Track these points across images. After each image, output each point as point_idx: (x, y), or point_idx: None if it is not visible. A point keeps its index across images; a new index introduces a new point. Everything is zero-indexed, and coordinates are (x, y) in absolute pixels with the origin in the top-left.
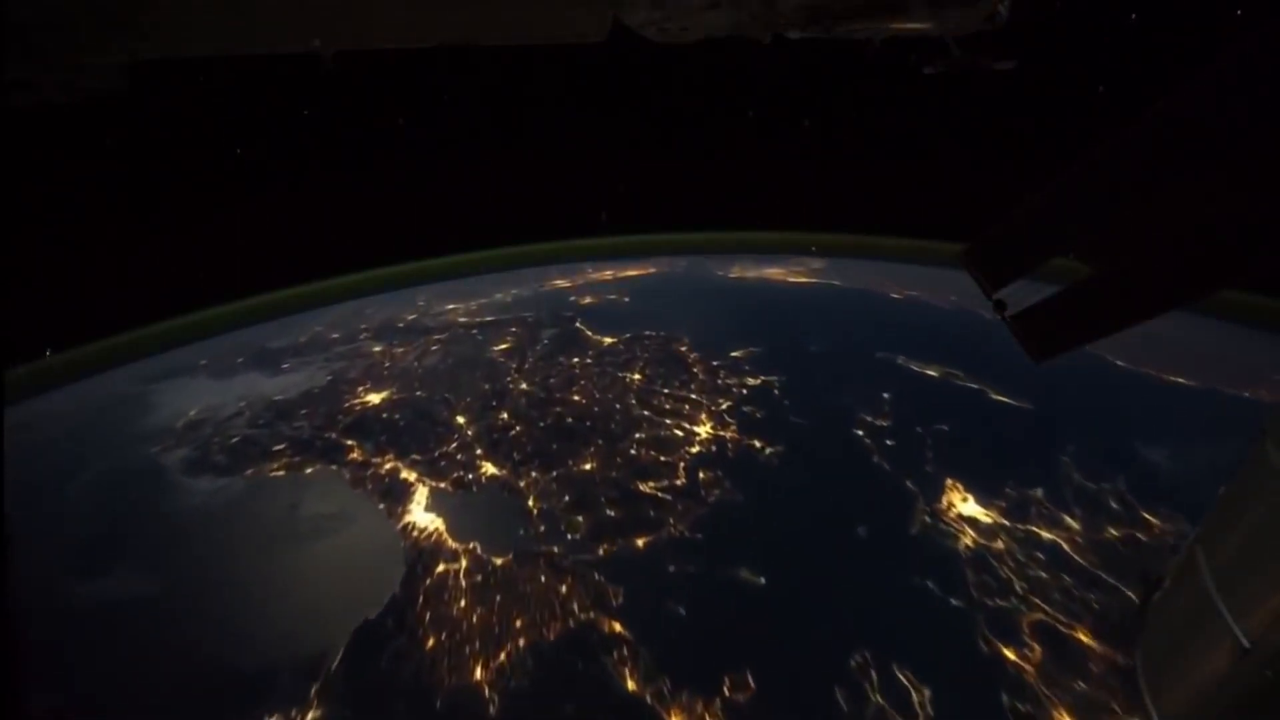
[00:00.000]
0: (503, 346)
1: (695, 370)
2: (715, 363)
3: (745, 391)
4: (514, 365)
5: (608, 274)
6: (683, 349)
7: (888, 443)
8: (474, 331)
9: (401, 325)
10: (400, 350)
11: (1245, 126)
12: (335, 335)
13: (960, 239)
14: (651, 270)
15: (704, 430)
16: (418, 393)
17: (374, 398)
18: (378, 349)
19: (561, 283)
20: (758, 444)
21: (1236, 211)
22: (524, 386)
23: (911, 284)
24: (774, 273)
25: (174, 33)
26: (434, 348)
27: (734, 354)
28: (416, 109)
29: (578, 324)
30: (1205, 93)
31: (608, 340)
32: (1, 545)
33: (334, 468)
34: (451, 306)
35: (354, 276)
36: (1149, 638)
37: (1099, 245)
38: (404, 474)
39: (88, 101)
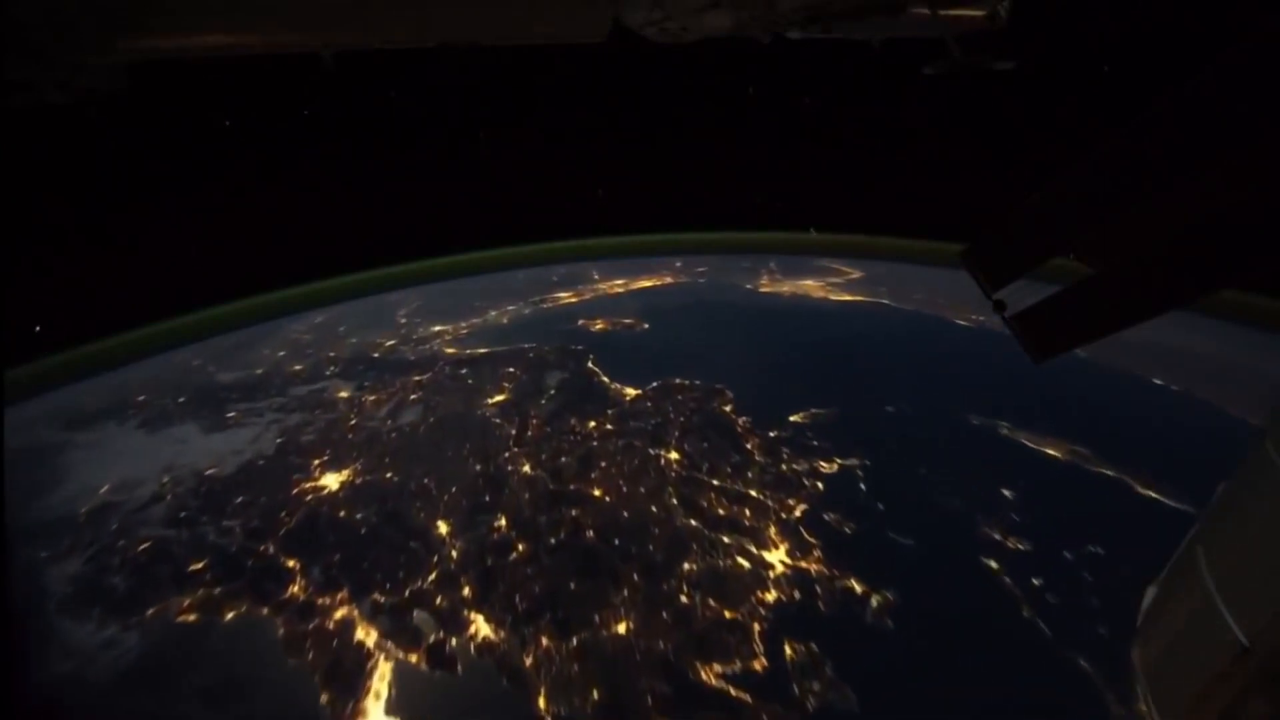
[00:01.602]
0: (498, 398)
1: (748, 445)
2: (772, 433)
3: (821, 485)
4: (513, 431)
5: (618, 285)
6: (726, 408)
7: (1034, 582)
8: (463, 371)
9: (376, 355)
10: (371, 399)
11: (1247, 125)
12: (297, 367)
13: (962, 239)
14: (667, 280)
15: (777, 558)
16: (388, 474)
17: (330, 480)
18: (344, 394)
19: (565, 296)
20: (857, 587)
21: (1238, 211)
22: (526, 469)
23: (973, 304)
24: (809, 285)
25: (174, 32)
26: (413, 396)
27: (793, 418)
28: (408, 105)
29: (590, 363)
30: (1206, 91)
31: (630, 392)
32: (2, 545)
33: (264, 611)
34: (437, 328)
35: (331, 282)
36: (1148, 637)
37: (1099, 245)
38: (359, 631)
39: (88, 101)
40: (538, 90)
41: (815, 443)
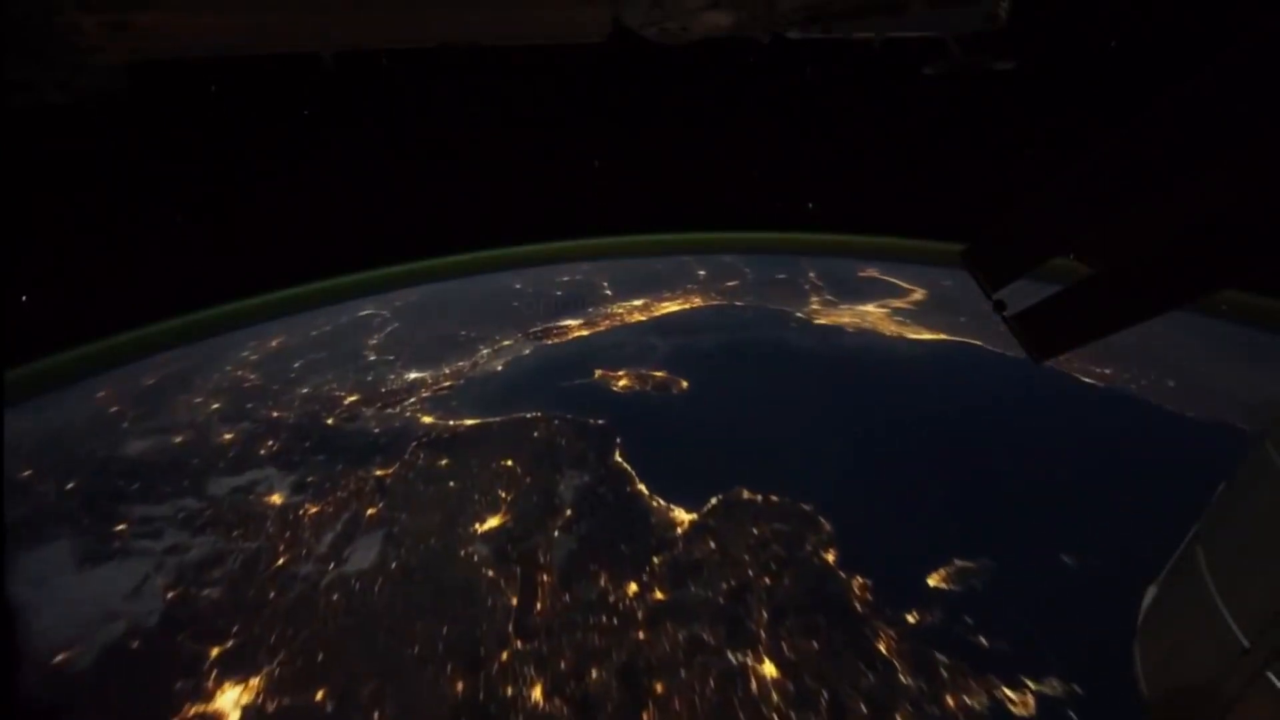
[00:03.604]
0: (491, 523)
1: (880, 644)
2: (909, 615)
3: None
4: (513, 600)
5: (636, 307)
6: (829, 557)
7: None
8: (442, 463)
9: (330, 423)
10: (313, 512)
11: (1247, 125)
12: (227, 435)
13: (961, 239)
14: (696, 302)
15: None
16: (317, 693)
17: (227, 700)
18: (276, 499)
19: (573, 325)
20: None
21: (1238, 211)
22: (536, 694)
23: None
24: (872, 313)
25: (174, 33)
26: (370, 510)
27: (933, 580)
28: (401, 101)
29: (618, 454)
30: (1206, 91)
31: (681, 517)
32: (1, 545)
33: None
34: (413, 376)
35: (304, 288)
36: (1148, 636)
37: (1099, 245)
38: None
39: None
40: (539, 87)
41: (982, 639)
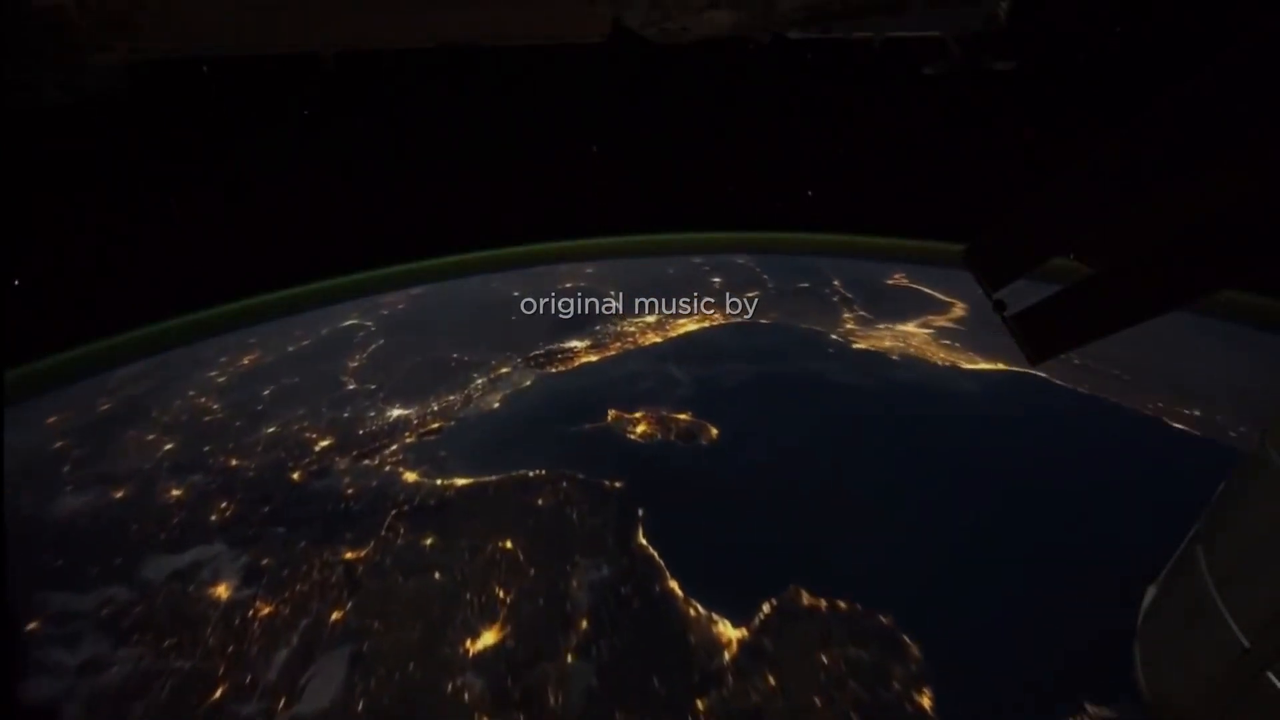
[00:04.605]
0: (486, 639)
1: None
2: None
3: None
4: None
5: (648, 324)
6: (924, 700)
7: None
8: (427, 542)
9: (295, 478)
10: (264, 613)
11: (1247, 125)
12: (175, 492)
13: (961, 239)
14: (716, 319)
15: None
16: None
17: None
18: (222, 592)
19: (579, 347)
20: None
21: (1238, 211)
22: None
23: (1154, 372)
24: (914, 335)
25: (173, 33)
26: (335, 615)
27: None
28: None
29: (641, 535)
30: (1206, 91)
31: (727, 633)
32: (1, 545)
33: None
34: (397, 413)
35: (290, 291)
36: (1148, 636)
37: (1099, 245)
38: None
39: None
40: (539, 87)
41: None
